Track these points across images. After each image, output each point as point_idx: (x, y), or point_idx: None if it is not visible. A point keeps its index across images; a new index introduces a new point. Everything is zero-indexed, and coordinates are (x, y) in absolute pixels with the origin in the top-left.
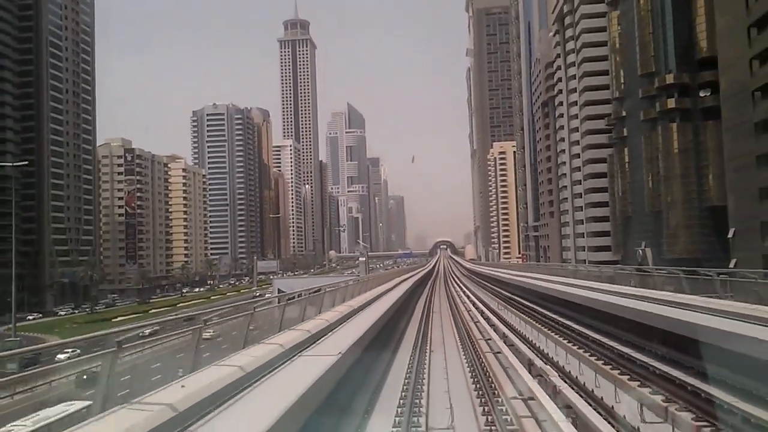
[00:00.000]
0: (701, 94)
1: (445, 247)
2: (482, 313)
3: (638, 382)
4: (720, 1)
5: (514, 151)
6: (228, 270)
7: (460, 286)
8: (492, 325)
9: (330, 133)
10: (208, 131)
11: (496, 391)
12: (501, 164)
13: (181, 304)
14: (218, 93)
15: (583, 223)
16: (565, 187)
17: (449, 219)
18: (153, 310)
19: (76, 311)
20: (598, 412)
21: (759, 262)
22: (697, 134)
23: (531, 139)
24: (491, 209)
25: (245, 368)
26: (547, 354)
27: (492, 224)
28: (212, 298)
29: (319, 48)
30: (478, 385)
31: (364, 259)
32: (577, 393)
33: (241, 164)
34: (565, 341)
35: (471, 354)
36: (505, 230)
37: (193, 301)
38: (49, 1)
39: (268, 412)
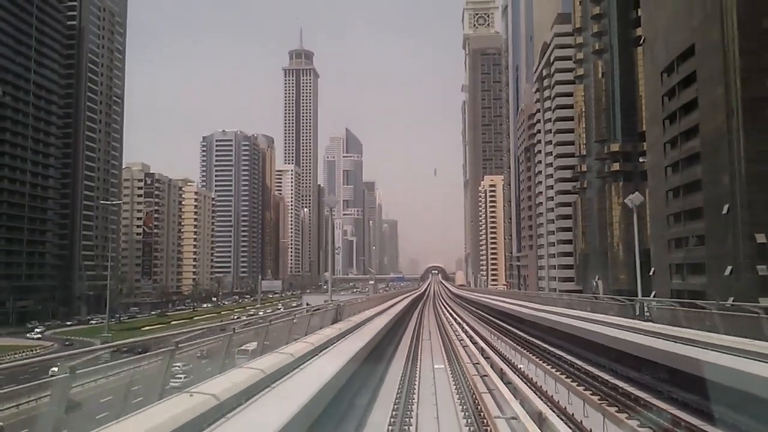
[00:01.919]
0: (640, 160)
1: (436, 272)
2: (454, 318)
3: (536, 357)
4: (647, 96)
5: (503, 185)
6: (230, 288)
7: (445, 306)
8: (458, 324)
9: (328, 157)
10: (216, 156)
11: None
12: (491, 196)
13: (196, 318)
14: (225, 115)
15: (554, 257)
16: (541, 224)
17: (441, 244)
18: (174, 322)
19: (104, 321)
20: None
21: (668, 294)
22: (638, 191)
23: (516, 177)
24: (481, 238)
25: (320, 340)
26: (487, 338)
27: (481, 252)
28: (222, 312)
29: (321, 73)
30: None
31: (372, 282)
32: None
33: (246, 188)
34: (499, 334)
35: (444, 336)
36: (493, 258)
37: (205, 315)
38: (89, 33)
39: (360, 340)
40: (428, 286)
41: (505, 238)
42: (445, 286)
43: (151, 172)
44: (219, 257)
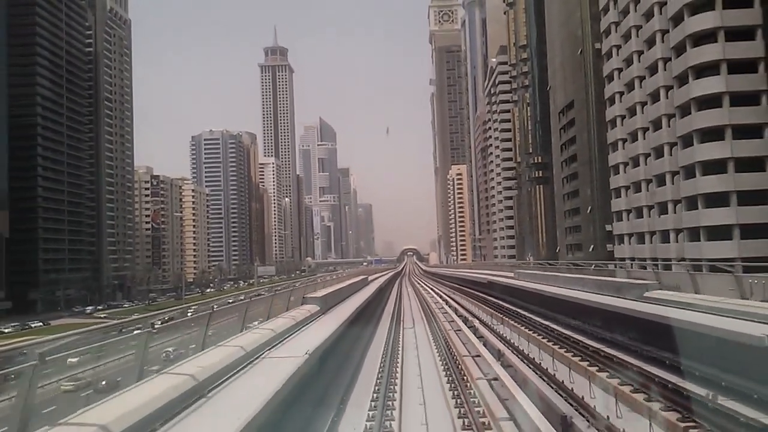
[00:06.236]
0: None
1: (411, 254)
2: (421, 282)
3: (474, 300)
4: (552, 127)
5: (468, 175)
6: (223, 275)
7: (418, 278)
8: (422, 283)
9: (303, 146)
10: (205, 154)
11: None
12: (458, 184)
13: (208, 300)
14: (209, 113)
15: (503, 239)
16: (494, 213)
17: (415, 226)
18: (192, 304)
19: (134, 305)
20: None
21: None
22: (552, 192)
23: (475, 171)
24: (450, 221)
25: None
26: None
27: (451, 234)
28: (226, 295)
29: (295, 65)
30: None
31: (366, 263)
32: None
33: (234, 182)
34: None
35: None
36: (462, 239)
37: (213, 297)
38: (104, 58)
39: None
40: (404, 266)
41: (470, 221)
42: (419, 266)
43: (156, 174)
44: (212, 247)
